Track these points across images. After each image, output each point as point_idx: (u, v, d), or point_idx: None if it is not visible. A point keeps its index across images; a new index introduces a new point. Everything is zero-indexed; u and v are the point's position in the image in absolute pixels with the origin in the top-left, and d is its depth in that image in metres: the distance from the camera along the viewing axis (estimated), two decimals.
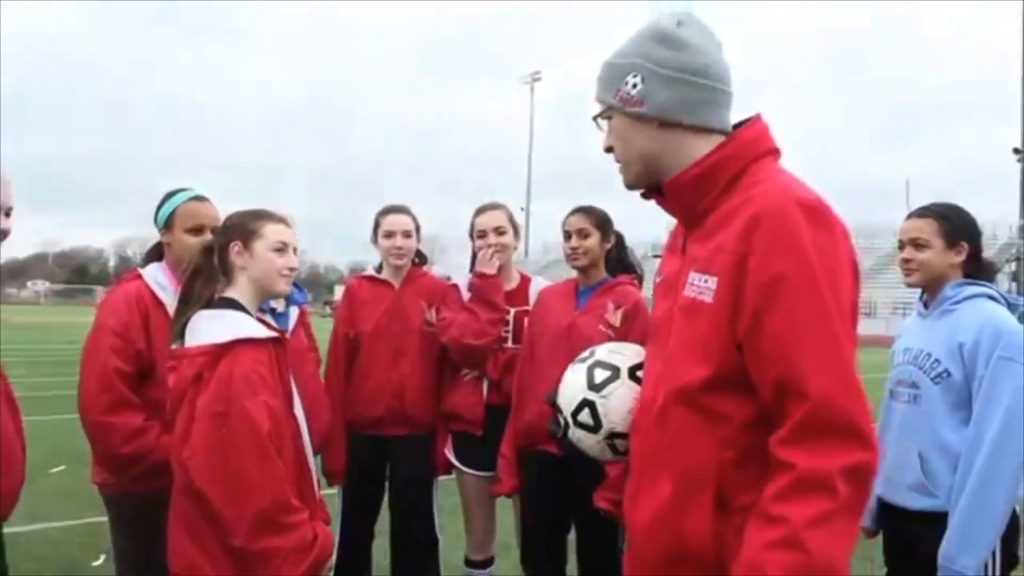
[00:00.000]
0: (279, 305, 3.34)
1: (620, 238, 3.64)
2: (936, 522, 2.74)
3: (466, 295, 3.85)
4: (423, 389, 3.89)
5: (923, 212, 3.00)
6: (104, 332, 2.97)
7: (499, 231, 3.82)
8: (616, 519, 2.69)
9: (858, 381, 1.64)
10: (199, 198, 3.16)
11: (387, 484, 4.00)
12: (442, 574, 4.02)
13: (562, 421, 2.23)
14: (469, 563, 3.98)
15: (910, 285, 3.04)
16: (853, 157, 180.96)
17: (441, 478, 4.01)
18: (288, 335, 3.13)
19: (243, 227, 2.58)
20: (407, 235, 3.95)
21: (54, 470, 7.79)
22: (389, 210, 4.01)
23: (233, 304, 2.51)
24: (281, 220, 2.65)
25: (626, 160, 1.89)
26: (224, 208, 3.05)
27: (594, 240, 3.48)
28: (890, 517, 2.99)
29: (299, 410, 2.55)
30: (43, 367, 17.77)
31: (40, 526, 6.07)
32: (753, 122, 1.87)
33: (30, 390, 12.44)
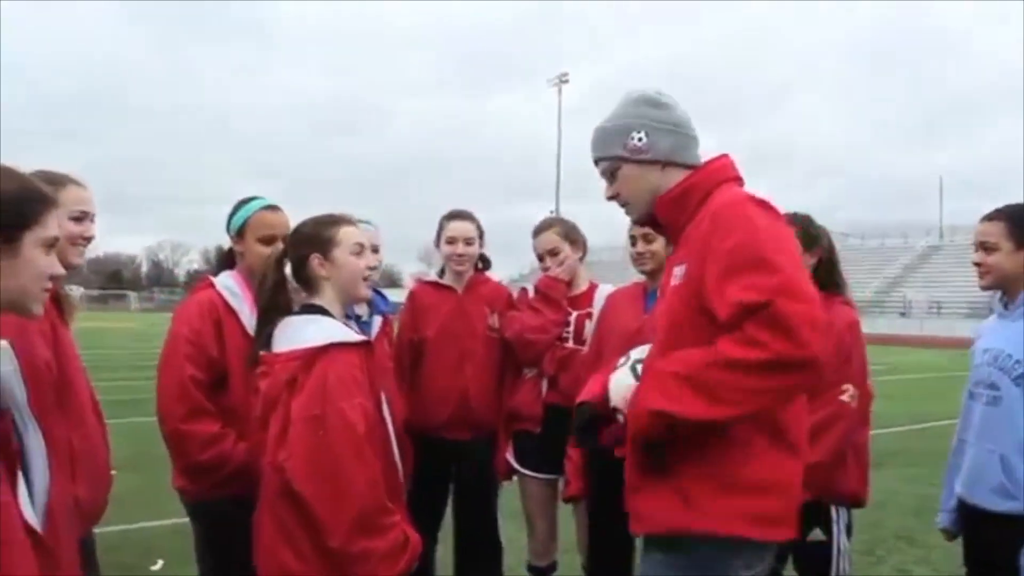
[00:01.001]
0: (363, 312, 3.36)
1: None
2: (1017, 525, 2.71)
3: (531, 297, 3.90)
4: (487, 393, 3.91)
5: (992, 215, 2.98)
6: (178, 341, 3.00)
7: (552, 252, 3.87)
8: None
9: (797, 308, 1.96)
10: (272, 207, 3.18)
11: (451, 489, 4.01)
12: None
13: (620, 417, 2.46)
14: (532, 569, 3.99)
15: (983, 288, 3.01)
16: (886, 155, 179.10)
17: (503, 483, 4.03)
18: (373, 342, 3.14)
19: (319, 238, 2.60)
20: (469, 242, 3.97)
21: None
22: (453, 216, 4.02)
23: (321, 311, 2.54)
24: (350, 221, 2.67)
25: (635, 201, 2.40)
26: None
27: (660, 244, 3.47)
28: (970, 519, 2.97)
29: (387, 414, 2.57)
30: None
31: (95, 531, 6.13)
32: (718, 158, 2.38)
33: None
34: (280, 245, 2.92)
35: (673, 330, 2.19)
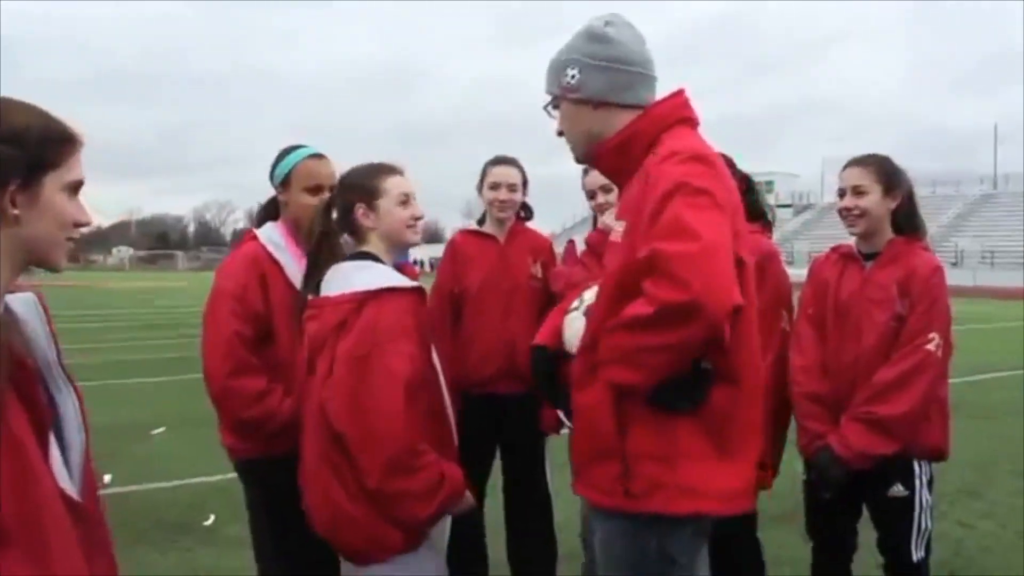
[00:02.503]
0: None
1: (749, 182, 3.36)
2: None
3: (580, 251, 3.74)
4: None
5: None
6: (222, 297, 2.92)
7: (605, 189, 3.61)
8: None
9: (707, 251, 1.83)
10: (317, 155, 3.06)
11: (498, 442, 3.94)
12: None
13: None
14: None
15: None
16: (938, 103, 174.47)
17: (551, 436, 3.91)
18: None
19: (364, 187, 2.55)
20: (512, 188, 3.83)
21: (155, 432, 7.93)
22: (497, 161, 3.88)
23: (372, 257, 2.50)
24: (398, 171, 2.60)
25: (573, 140, 2.26)
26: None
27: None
28: None
29: (436, 360, 2.53)
30: (137, 330, 18.26)
31: (144, 486, 6.16)
32: (668, 97, 2.20)
33: (127, 353, 12.06)
34: (327, 195, 2.82)
35: (617, 289, 2.03)
